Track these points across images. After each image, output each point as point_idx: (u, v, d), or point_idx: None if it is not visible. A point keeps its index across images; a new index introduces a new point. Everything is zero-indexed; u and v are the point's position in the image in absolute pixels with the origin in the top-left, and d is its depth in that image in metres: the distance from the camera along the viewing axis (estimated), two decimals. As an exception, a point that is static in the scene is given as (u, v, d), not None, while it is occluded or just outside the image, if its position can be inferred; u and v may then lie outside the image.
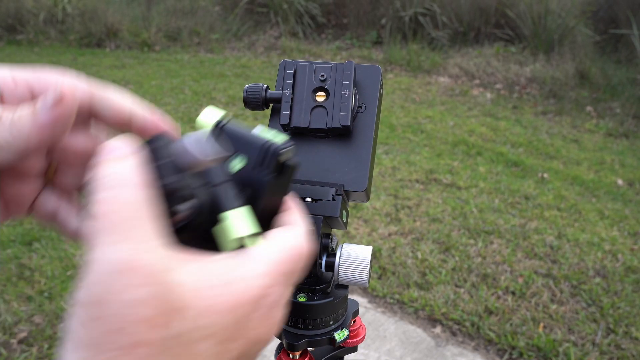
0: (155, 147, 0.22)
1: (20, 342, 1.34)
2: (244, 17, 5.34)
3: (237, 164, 0.26)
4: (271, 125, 0.37)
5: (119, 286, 0.17)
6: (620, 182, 2.43)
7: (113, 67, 4.21)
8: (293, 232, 0.24)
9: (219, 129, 0.27)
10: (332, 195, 0.34)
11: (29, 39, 5.16)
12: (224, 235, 0.23)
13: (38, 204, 0.27)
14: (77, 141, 0.25)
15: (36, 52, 4.81)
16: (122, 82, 3.82)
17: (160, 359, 0.17)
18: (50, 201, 0.27)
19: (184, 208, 0.21)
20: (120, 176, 0.20)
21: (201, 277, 0.19)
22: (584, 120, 3.28)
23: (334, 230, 0.39)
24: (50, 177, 0.27)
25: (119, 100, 0.25)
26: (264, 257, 0.22)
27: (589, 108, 3.45)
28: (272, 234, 0.24)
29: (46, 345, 1.32)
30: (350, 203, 0.38)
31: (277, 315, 0.22)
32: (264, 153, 0.25)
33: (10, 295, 1.49)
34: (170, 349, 0.18)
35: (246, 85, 0.36)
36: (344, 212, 0.36)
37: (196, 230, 0.22)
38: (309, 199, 0.34)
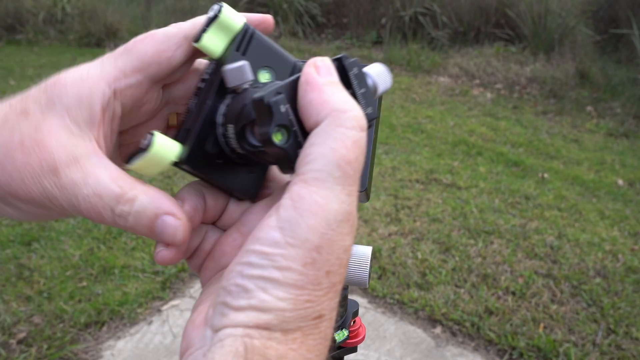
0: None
1: (19, 342, 1.34)
2: (243, 17, 5.34)
3: (264, 76, 0.26)
4: None
5: (338, 235, 0.19)
6: (620, 182, 2.42)
7: (113, 67, 4.21)
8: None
9: (249, 36, 0.26)
10: None
11: (29, 38, 5.16)
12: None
13: None
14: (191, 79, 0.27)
15: (35, 51, 4.81)
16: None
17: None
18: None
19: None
20: (361, 116, 0.21)
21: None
22: (585, 120, 3.28)
23: None
24: (171, 125, 0.29)
25: None
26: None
27: (589, 108, 3.44)
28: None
29: (45, 346, 1.32)
30: None
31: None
32: (295, 72, 0.25)
33: (10, 295, 1.49)
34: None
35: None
36: None
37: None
38: None
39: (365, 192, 0.35)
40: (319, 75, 0.21)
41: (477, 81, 3.98)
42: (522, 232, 1.91)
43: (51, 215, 0.25)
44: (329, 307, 0.19)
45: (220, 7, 0.25)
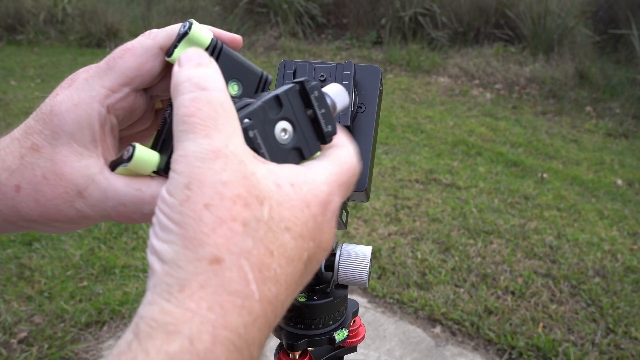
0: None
1: (20, 342, 1.34)
2: (243, 17, 5.34)
3: (232, 88, 0.27)
4: None
5: (211, 170, 0.18)
6: (619, 182, 2.43)
7: (113, 67, 4.21)
8: (345, 150, 0.25)
9: (218, 50, 0.27)
10: None
11: (29, 39, 5.16)
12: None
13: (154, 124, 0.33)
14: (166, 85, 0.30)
15: (36, 52, 4.81)
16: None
17: (251, 238, 0.18)
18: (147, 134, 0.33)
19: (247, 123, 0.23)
20: (203, 79, 0.21)
21: (278, 175, 0.21)
22: (584, 121, 3.28)
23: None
24: (158, 108, 0.32)
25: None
26: (325, 168, 0.23)
27: (588, 108, 3.45)
28: (327, 151, 0.25)
29: (46, 345, 1.32)
30: (350, 203, 0.38)
31: (335, 225, 0.23)
32: (262, 82, 0.27)
33: (10, 295, 1.49)
34: (258, 231, 0.18)
35: None
36: (344, 212, 0.36)
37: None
38: None
39: (365, 192, 0.35)
40: (178, 66, 0.23)
41: (477, 81, 3.99)
42: (522, 232, 1.92)
43: (93, 222, 0.27)
44: (228, 248, 0.17)
45: (190, 24, 0.27)
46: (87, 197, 0.25)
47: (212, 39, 0.27)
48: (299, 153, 0.25)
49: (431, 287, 1.59)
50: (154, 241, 0.19)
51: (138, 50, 0.27)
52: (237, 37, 0.29)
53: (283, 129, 0.24)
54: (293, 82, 0.25)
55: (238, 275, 0.17)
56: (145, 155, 0.25)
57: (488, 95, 3.74)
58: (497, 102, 3.60)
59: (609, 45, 4.11)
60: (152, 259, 0.18)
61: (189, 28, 0.27)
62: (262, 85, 0.28)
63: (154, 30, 0.28)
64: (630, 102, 3.40)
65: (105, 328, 1.40)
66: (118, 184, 0.25)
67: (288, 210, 0.20)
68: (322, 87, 0.26)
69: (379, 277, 1.63)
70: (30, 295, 1.50)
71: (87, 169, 0.25)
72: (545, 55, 4.09)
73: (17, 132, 0.27)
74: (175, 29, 0.28)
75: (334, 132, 0.25)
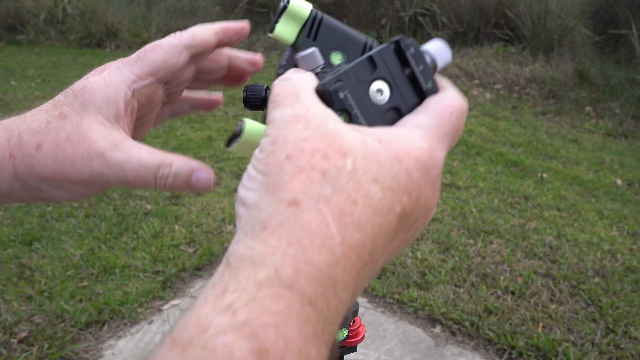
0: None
1: (20, 341, 1.34)
2: (243, 17, 5.34)
3: (336, 57, 0.28)
4: None
5: (291, 129, 0.20)
6: (619, 182, 2.43)
7: (113, 67, 4.20)
8: (444, 95, 0.24)
9: (318, 21, 0.28)
10: None
11: (29, 39, 5.16)
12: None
13: (157, 120, 0.37)
14: (186, 73, 0.34)
15: (36, 52, 4.81)
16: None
17: (330, 186, 0.19)
18: (163, 113, 0.37)
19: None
20: (289, 75, 0.24)
21: (364, 133, 0.21)
22: (583, 121, 3.28)
23: None
24: (164, 102, 0.37)
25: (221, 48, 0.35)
26: (421, 123, 0.23)
27: (588, 108, 3.45)
28: (426, 101, 0.24)
29: (46, 345, 1.32)
30: None
31: (439, 180, 0.22)
32: (367, 50, 0.27)
33: (11, 295, 1.49)
34: (339, 180, 0.19)
35: (246, 85, 0.36)
36: None
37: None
38: None
39: None
40: None
41: (477, 81, 3.99)
42: (521, 232, 1.92)
43: (93, 192, 0.31)
44: (305, 193, 0.18)
45: None
46: (108, 159, 0.28)
47: (312, 10, 0.28)
48: (397, 112, 0.24)
49: (431, 287, 1.59)
50: (240, 191, 0.20)
51: (166, 47, 0.31)
52: (243, 26, 0.33)
53: (379, 90, 0.24)
54: (389, 42, 0.25)
55: (316, 217, 0.18)
56: (255, 127, 0.27)
57: (488, 95, 3.74)
58: (497, 102, 3.60)
59: (608, 46, 4.11)
60: (238, 208, 0.20)
61: (288, 2, 0.28)
62: (369, 50, 0.28)
63: (180, 32, 0.32)
64: (630, 102, 3.40)
65: (105, 328, 1.40)
66: (141, 151, 0.29)
67: (376, 163, 0.20)
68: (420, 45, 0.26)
69: (379, 277, 1.63)
70: (30, 295, 1.50)
71: (112, 136, 0.29)
72: (545, 55, 4.09)
73: (44, 106, 0.30)
74: (196, 30, 0.32)
75: (434, 90, 0.25)
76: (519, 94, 3.74)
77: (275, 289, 0.16)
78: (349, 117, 0.23)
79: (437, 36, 4.73)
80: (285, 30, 0.29)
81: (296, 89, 0.22)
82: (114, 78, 0.30)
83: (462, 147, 2.74)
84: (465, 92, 3.79)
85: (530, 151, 2.76)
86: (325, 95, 0.23)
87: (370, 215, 0.19)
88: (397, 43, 0.24)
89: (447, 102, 0.24)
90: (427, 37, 4.68)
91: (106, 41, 5.07)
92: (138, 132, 0.35)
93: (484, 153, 2.68)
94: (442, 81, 0.26)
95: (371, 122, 0.23)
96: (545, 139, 2.95)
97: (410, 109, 0.24)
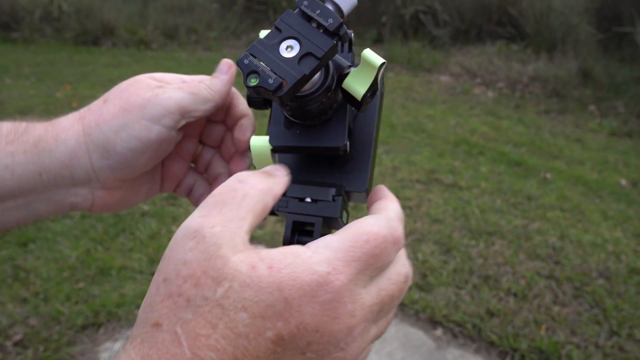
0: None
1: (15, 344, 1.32)
2: (242, 15, 5.32)
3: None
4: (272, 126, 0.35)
5: (180, 247, 0.21)
6: (623, 182, 2.40)
7: (109, 66, 4.19)
8: (370, 220, 0.24)
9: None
10: (332, 195, 0.32)
11: (24, 37, 5.14)
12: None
13: (183, 181, 0.39)
14: (215, 130, 0.38)
15: (32, 50, 4.80)
16: (119, 81, 3.74)
17: (192, 313, 0.20)
18: (190, 179, 0.39)
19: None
20: (247, 176, 0.24)
21: (260, 258, 0.21)
22: (587, 120, 3.25)
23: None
24: (194, 159, 0.39)
25: (243, 101, 0.38)
26: (330, 244, 0.22)
27: (592, 107, 3.42)
28: (349, 224, 0.24)
29: (42, 348, 1.31)
30: (351, 204, 0.37)
31: (340, 306, 0.21)
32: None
33: (5, 297, 1.48)
34: (202, 307, 0.20)
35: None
36: (345, 213, 0.35)
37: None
38: (308, 200, 0.32)
39: (366, 193, 0.34)
40: None
41: (479, 80, 3.96)
42: (524, 232, 1.89)
43: (152, 150, 0.34)
44: (168, 317, 0.20)
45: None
46: (159, 94, 0.34)
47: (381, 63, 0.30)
48: (311, 56, 0.26)
49: (432, 288, 1.57)
50: None
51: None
52: (230, 73, 0.37)
53: (288, 47, 0.27)
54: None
55: (170, 337, 0.20)
56: (258, 142, 0.32)
57: (490, 93, 3.71)
58: (499, 100, 3.57)
59: (613, 43, 4.08)
60: None
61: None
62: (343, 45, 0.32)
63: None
64: (634, 101, 3.37)
65: (101, 330, 1.38)
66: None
67: (253, 291, 0.20)
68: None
69: (379, 279, 1.61)
70: (25, 297, 1.48)
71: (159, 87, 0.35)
72: (548, 53, 4.06)
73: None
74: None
75: (335, 24, 0.27)
76: (521, 93, 3.71)
77: None
78: (258, 76, 0.26)
79: (439, 33, 4.69)
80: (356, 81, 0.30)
81: (233, 196, 0.22)
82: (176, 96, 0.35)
83: (464, 147, 2.72)
84: (467, 91, 3.76)
85: (533, 151, 2.73)
86: (240, 67, 0.26)
87: (232, 338, 0.20)
88: (296, 6, 0.27)
89: (367, 228, 0.23)
90: (428, 35, 4.66)
91: (102, 39, 5.05)
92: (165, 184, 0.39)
93: (486, 153, 2.65)
94: (382, 203, 0.27)
95: (284, 73, 0.26)
96: (549, 138, 2.92)
97: (322, 47, 0.26)
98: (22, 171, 0.31)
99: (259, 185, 0.24)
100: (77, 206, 0.34)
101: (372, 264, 0.22)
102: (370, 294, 0.22)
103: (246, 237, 0.22)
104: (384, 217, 0.24)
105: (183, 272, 0.20)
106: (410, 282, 0.25)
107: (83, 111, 0.34)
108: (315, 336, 0.21)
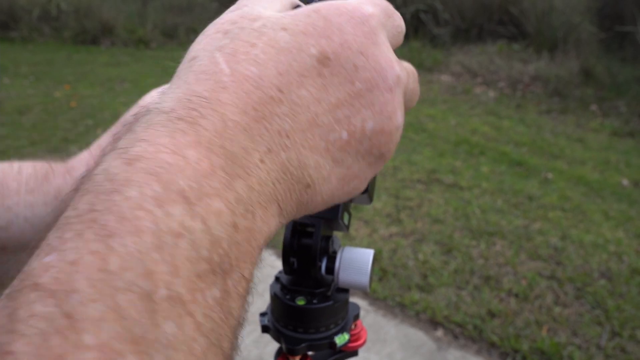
0: None
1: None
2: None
3: None
4: None
5: (223, 16, 0.21)
6: (625, 182, 2.39)
7: (108, 65, 4.19)
8: None
9: None
10: None
11: (23, 36, 5.14)
12: None
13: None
14: None
15: (30, 49, 4.79)
16: (118, 80, 3.79)
17: (229, 39, 0.19)
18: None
19: None
20: None
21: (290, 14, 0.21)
22: (589, 119, 3.25)
23: (335, 232, 0.37)
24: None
25: None
26: None
27: (593, 107, 3.41)
28: None
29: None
30: (351, 205, 0.37)
31: (375, 34, 0.21)
32: None
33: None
34: (240, 34, 0.19)
35: None
36: (346, 214, 0.34)
37: None
38: None
39: (367, 193, 0.34)
40: None
41: (480, 79, 3.95)
42: (525, 233, 1.89)
43: None
44: (203, 48, 0.20)
45: None
46: None
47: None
48: None
49: (433, 289, 1.56)
50: None
51: None
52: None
53: None
54: None
55: (207, 61, 0.19)
56: None
57: (491, 93, 3.70)
58: (500, 100, 3.56)
59: (614, 43, 4.07)
60: None
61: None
62: None
63: None
64: (636, 101, 3.36)
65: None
66: None
67: (290, 17, 0.20)
68: None
69: (380, 279, 1.61)
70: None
71: None
72: (549, 52, 4.05)
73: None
74: None
75: None
76: (523, 92, 3.70)
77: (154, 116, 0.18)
78: None
79: (440, 33, 4.69)
80: None
81: None
82: None
83: (465, 147, 2.71)
84: (467, 90, 3.76)
85: (534, 151, 2.72)
86: None
87: (273, 54, 0.19)
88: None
89: None
90: (428, 34, 4.65)
91: (101, 38, 5.05)
92: None
93: (487, 152, 2.65)
94: None
95: None
96: (550, 138, 2.91)
97: None
98: (41, 224, 0.31)
99: None
100: None
101: (390, 18, 0.23)
102: (394, 54, 0.22)
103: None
104: None
105: (220, 20, 0.20)
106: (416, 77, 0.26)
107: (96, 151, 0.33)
108: (361, 59, 0.20)
